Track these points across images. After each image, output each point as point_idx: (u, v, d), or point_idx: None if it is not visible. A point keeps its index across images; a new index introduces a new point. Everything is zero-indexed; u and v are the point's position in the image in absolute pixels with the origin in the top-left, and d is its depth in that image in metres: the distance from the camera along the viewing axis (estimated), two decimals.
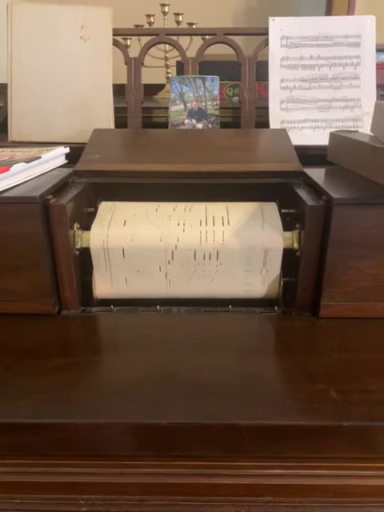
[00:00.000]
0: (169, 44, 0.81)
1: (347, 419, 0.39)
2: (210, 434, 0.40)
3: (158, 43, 0.80)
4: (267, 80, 0.77)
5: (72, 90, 0.76)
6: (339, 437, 0.40)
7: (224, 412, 0.40)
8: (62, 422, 0.40)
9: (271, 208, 0.61)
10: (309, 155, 0.68)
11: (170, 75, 1.08)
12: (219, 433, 0.40)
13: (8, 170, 0.53)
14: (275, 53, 0.76)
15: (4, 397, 0.42)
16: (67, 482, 0.42)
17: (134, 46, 0.95)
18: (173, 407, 0.41)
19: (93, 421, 0.40)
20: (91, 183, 0.63)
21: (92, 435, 0.40)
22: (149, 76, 0.89)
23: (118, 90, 0.79)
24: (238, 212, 0.60)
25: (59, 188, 0.58)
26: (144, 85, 0.78)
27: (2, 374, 0.45)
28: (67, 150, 0.68)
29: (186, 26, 1.03)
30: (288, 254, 0.57)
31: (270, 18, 0.76)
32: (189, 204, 0.61)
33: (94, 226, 0.58)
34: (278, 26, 0.76)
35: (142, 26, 1.02)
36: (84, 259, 0.58)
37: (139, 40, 0.94)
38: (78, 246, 0.56)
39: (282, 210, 0.60)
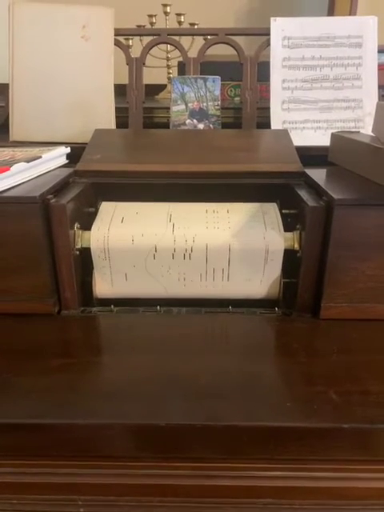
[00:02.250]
0: (170, 44, 0.81)
1: (347, 421, 0.39)
2: (210, 435, 0.39)
3: (160, 43, 0.80)
4: (269, 81, 0.77)
5: (73, 90, 0.76)
6: (339, 439, 0.39)
7: (224, 413, 0.40)
8: (62, 422, 0.40)
9: (272, 209, 0.61)
10: (310, 156, 0.68)
11: (171, 75, 1.08)
12: (219, 434, 0.39)
13: (8, 169, 0.53)
14: (277, 53, 0.76)
15: (3, 397, 0.42)
16: (66, 483, 0.41)
17: (136, 46, 0.95)
18: (172, 408, 0.40)
19: (92, 422, 0.40)
20: (92, 183, 0.63)
21: (91, 436, 0.40)
22: (150, 76, 0.89)
23: (120, 91, 0.79)
24: (239, 213, 0.60)
25: (60, 188, 0.57)
26: (145, 85, 0.78)
27: (1, 374, 0.45)
28: (68, 149, 0.68)
29: (188, 26, 1.03)
30: (289, 254, 0.56)
31: (272, 18, 0.76)
32: (189, 204, 0.61)
33: (95, 226, 0.58)
34: (280, 27, 0.76)
35: (144, 26, 1.02)
36: (84, 259, 0.58)
37: (141, 40, 0.94)
38: (79, 246, 0.56)
39: (283, 211, 0.60)
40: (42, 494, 0.42)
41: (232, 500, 0.42)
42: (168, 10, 1.07)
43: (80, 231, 0.56)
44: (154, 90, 1.06)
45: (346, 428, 0.39)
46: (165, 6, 1.06)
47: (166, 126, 0.78)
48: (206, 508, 0.42)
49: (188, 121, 0.76)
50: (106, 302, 0.59)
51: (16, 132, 0.78)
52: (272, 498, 0.42)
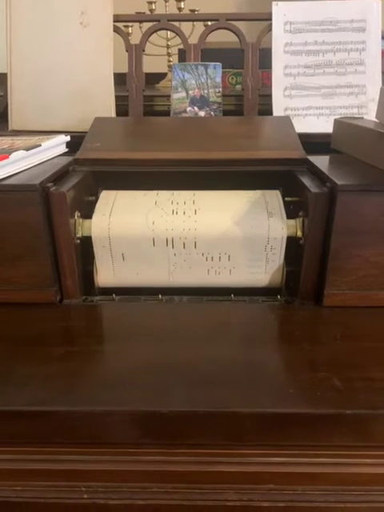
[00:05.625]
0: (170, 30, 0.79)
1: (350, 407, 0.39)
2: (212, 421, 0.39)
3: (160, 29, 0.79)
4: (270, 67, 0.76)
5: (72, 78, 0.75)
6: (342, 425, 0.39)
7: (226, 400, 0.40)
8: (64, 409, 0.40)
9: (274, 196, 0.60)
10: (313, 143, 0.67)
11: (171, 63, 1.07)
12: (221, 421, 0.39)
13: (7, 157, 0.52)
14: (279, 38, 0.75)
15: (6, 385, 0.42)
16: (69, 470, 0.41)
17: (136, 33, 0.94)
18: (175, 395, 0.40)
19: (94, 409, 0.40)
20: (92, 171, 0.62)
21: (94, 423, 0.40)
22: (150, 65, 0.88)
23: (120, 80, 0.78)
24: (241, 200, 0.59)
25: (59, 176, 0.57)
26: (146, 74, 0.77)
27: (3, 362, 0.45)
28: (68, 138, 0.67)
29: (188, 13, 1.02)
30: (291, 242, 0.56)
31: (274, 3, 0.74)
32: (191, 192, 0.61)
33: (96, 214, 0.57)
34: (282, 11, 0.75)
35: (144, 12, 1.00)
36: (85, 248, 0.57)
37: (140, 27, 0.92)
38: (79, 235, 0.56)
39: (286, 198, 0.59)
40: (45, 481, 0.42)
41: (234, 486, 0.42)
42: None
43: (80, 220, 0.56)
44: (155, 78, 1.04)
45: (349, 414, 0.39)
46: None
47: (167, 114, 0.77)
48: (208, 494, 0.42)
49: (189, 108, 0.75)
50: (107, 291, 0.59)
51: (15, 121, 0.77)
52: (274, 484, 0.42)
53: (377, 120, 0.62)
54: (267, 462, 0.41)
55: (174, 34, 0.79)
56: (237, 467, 0.41)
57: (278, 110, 0.75)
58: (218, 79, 0.75)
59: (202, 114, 0.76)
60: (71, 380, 0.43)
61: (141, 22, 0.87)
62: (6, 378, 0.43)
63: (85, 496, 0.42)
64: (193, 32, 0.97)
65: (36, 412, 0.40)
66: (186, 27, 0.85)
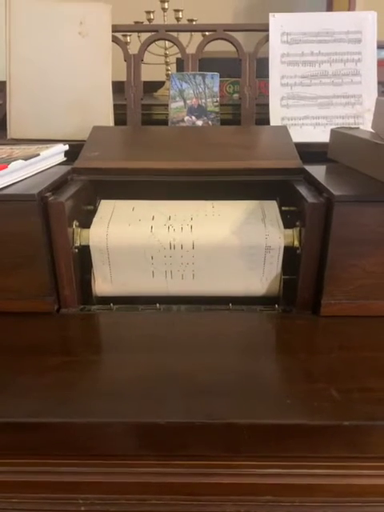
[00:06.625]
0: (168, 40, 0.80)
1: (348, 418, 0.39)
2: (210, 433, 0.39)
3: (158, 40, 0.79)
4: (267, 77, 0.77)
5: (71, 87, 0.76)
6: (339, 436, 0.39)
7: (224, 411, 0.40)
8: (61, 421, 0.39)
9: (272, 206, 0.60)
10: (309, 152, 0.68)
11: (169, 72, 1.08)
12: (219, 432, 0.39)
13: (6, 167, 0.52)
14: (276, 49, 0.76)
15: (3, 395, 0.42)
16: (66, 482, 0.41)
17: (134, 42, 0.95)
18: (172, 406, 0.40)
19: (92, 420, 0.39)
20: (90, 181, 0.62)
21: (91, 435, 0.40)
22: (148, 73, 0.89)
23: (118, 88, 0.79)
24: (239, 210, 0.59)
25: (58, 185, 0.57)
26: (144, 82, 0.78)
27: (1, 372, 0.45)
28: (66, 147, 0.67)
29: (186, 22, 1.03)
30: (289, 251, 0.56)
31: (271, 14, 0.75)
32: (188, 202, 0.61)
33: (94, 223, 0.57)
34: (279, 22, 0.75)
35: (142, 22, 1.01)
36: (83, 257, 0.57)
37: (139, 37, 0.93)
38: (77, 244, 0.56)
39: (283, 208, 0.60)
40: (42, 493, 0.42)
41: (232, 498, 0.42)
42: (166, 6, 1.06)
43: (79, 229, 0.56)
44: (153, 86, 1.05)
45: (347, 425, 0.39)
46: (163, 1, 1.06)
47: (165, 123, 0.77)
48: (206, 506, 0.42)
49: (187, 117, 0.76)
50: (105, 300, 0.59)
51: (14, 130, 0.77)
52: (272, 496, 0.42)
53: (373, 130, 0.62)
54: (265, 474, 0.41)
55: (172, 43, 0.79)
56: (234, 479, 0.41)
57: (275, 120, 0.76)
58: (216, 89, 0.76)
59: (199, 123, 0.76)
60: (68, 391, 0.42)
61: (139, 31, 0.88)
62: (3, 388, 0.43)
63: (82, 508, 0.42)
64: (191, 41, 0.98)
65: (33, 423, 0.40)
66: (183, 36, 0.86)
